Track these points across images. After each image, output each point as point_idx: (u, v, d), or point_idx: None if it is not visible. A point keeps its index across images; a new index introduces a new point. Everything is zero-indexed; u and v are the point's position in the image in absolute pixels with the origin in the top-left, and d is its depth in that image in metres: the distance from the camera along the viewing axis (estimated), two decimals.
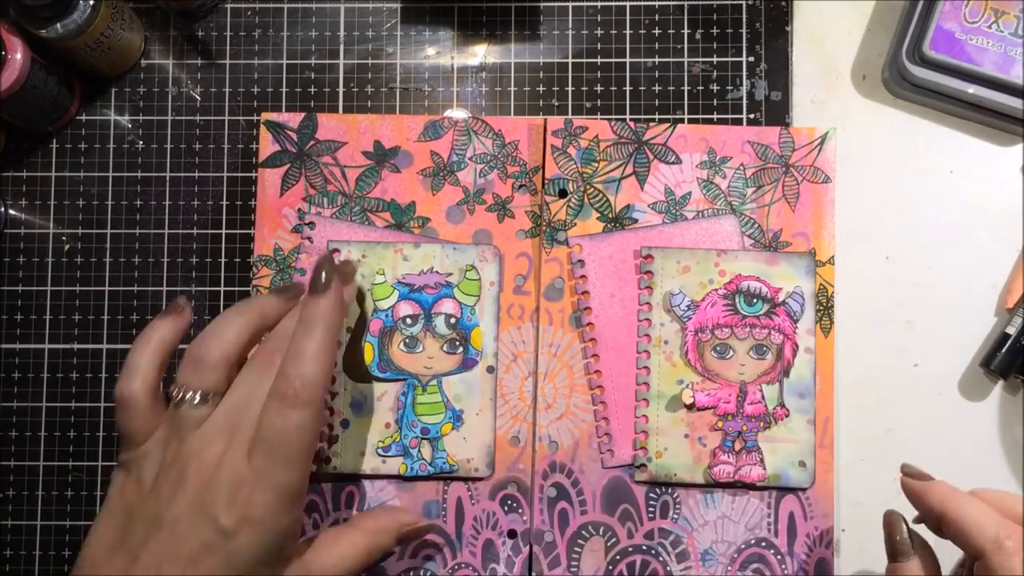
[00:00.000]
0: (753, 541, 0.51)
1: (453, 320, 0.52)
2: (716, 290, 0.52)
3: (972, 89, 0.51)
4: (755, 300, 0.52)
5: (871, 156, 0.54)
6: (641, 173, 0.53)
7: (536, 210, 0.53)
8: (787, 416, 0.51)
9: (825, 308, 0.52)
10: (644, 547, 0.51)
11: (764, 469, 0.51)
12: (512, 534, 0.52)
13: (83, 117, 0.56)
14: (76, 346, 0.55)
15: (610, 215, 0.53)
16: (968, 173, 0.54)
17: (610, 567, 0.51)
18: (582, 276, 0.52)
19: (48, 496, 0.54)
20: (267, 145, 0.53)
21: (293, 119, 0.53)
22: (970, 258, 0.54)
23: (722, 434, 0.51)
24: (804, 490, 0.51)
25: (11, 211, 0.55)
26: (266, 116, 0.54)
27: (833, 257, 0.52)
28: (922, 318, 0.53)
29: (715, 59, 0.55)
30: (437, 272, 0.52)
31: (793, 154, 0.53)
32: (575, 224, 0.53)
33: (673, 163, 0.53)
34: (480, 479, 0.52)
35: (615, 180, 0.53)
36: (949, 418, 0.53)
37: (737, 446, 0.51)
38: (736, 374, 0.52)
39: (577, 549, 0.51)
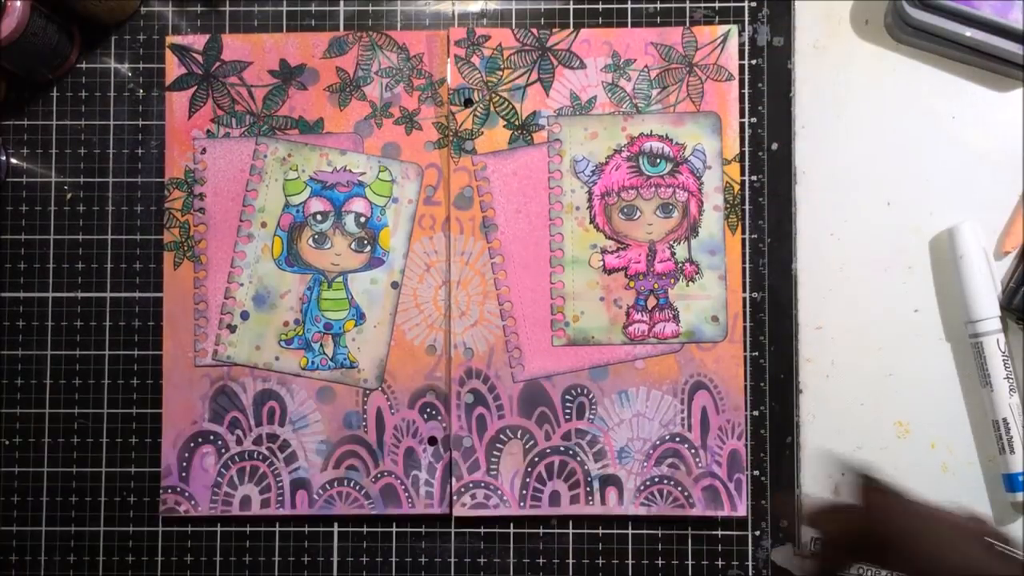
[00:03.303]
0: (668, 437, 0.52)
1: (363, 219, 0.53)
2: (619, 153, 0.52)
3: (970, 32, 0.50)
4: (658, 160, 0.52)
5: (872, 102, 0.54)
6: (546, 79, 0.53)
7: (443, 121, 0.53)
8: (698, 272, 0.52)
9: (732, 206, 0.52)
10: (562, 448, 0.52)
11: (678, 325, 0.52)
12: (432, 441, 0.52)
13: (83, 65, 0.55)
14: (80, 294, 0.55)
15: (516, 123, 0.53)
16: (969, 119, 0.53)
17: (528, 469, 0.52)
18: (487, 193, 0.53)
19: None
20: (173, 68, 0.53)
21: (198, 41, 0.54)
22: (971, 203, 0.53)
23: (635, 293, 0.52)
24: (716, 387, 0.52)
25: (13, 160, 0.55)
26: (171, 39, 0.54)
27: (739, 155, 0.53)
28: (923, 263, 0.53)
29: (717, 4, 0.54)
30: (350, 171, 0.53)
31: (696, 53, 0.53)
32: (482, 133, 0.53)
33: (577, 68, 0.53)
34: (369, 391, 0.52)
35: (520, 87, 0.53)
36: (949, 363, 0.53)
37: (650, 304, 0.52)
38: (644, 234, 0.52)
39: (496, 453, 0.52)
